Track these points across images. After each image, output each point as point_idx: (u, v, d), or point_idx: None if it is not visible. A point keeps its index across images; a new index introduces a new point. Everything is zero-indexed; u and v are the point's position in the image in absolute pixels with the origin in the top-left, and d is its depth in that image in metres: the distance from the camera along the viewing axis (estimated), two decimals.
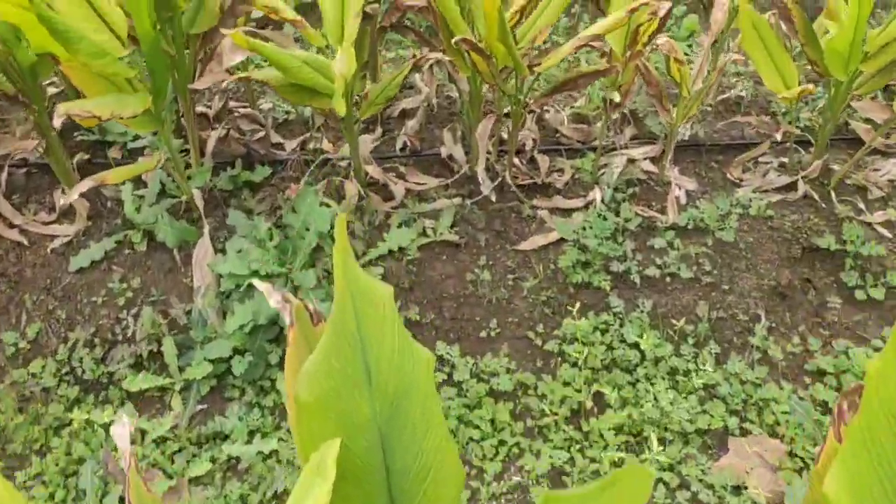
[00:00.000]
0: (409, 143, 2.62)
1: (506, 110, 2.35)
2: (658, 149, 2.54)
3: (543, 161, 2.52)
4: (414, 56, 3.08)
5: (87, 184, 1.94)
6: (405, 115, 2.83)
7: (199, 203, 2.28)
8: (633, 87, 2.27)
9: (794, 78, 2.21)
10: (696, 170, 2.57)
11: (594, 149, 2.61)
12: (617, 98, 2.11)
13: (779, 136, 2.44)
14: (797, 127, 2.58)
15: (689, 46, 3.43)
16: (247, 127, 2.60)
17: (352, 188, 2.36)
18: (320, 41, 2.07)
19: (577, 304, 2.15)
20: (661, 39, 1.86)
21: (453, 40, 1.91)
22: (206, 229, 2.27)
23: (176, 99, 2.30)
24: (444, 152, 2.58)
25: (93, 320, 2.16)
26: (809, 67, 2.25)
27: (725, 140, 2.65)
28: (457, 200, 2.42)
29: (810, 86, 2.03)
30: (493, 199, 2.44)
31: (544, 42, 2.45)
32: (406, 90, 3.00)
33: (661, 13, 1.78)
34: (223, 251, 2.24)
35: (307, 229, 2.18)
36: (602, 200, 2.39)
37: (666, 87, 2.36)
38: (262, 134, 2.62)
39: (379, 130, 2.74)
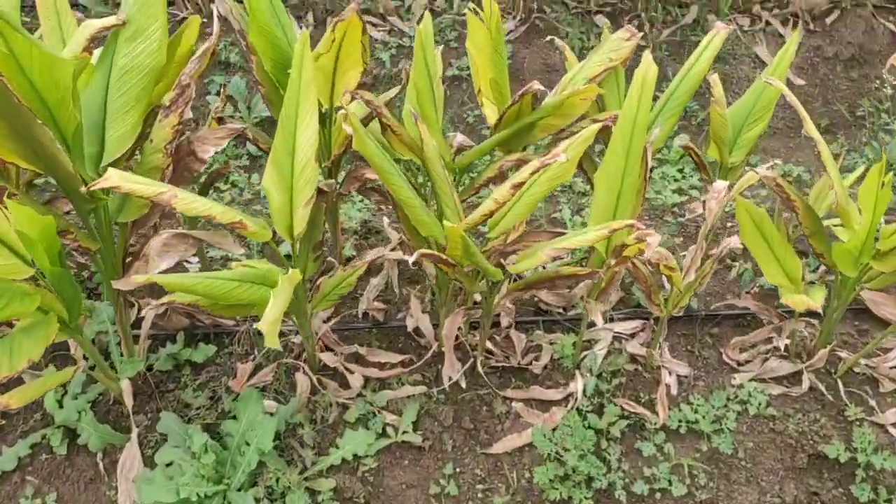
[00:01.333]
0: (371, 314, 2.36)
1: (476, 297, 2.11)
2: (646, 335, 2.29)
3: (519, 340, 2.27)
4: (379, 211, 2.85)
5: None
6: (370, 269, 2.58)
7: (129, 399, 2.01)
8: (617, 278, 2.02)
9: (798, 271, 1.97)
10: (689, 346, 2.32)
11: (575, 319, 2.36)
12: (598, 313, 1.86)
13: (783, 329, 2.20)
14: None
15: (681, 171, 3.21)
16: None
17: (304, 381, 2.10)
18: (265, 235, 1.81)
19: None
20: (652, 247, 1.61)
21: (412, 257, 1.66)
22: (135, 433, 2.00)
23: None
24: (410, 324, 2.32)
25: None
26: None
27: (721, 310, 2.41)
28: (421, 389, 2.16)
29: (817, 304, 1.79)
30: (463, 384, 2.18)
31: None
32: (373, 235, 2.75)
33: (649, 248, 1.54)
34: (153, 458, 1.96)
35: (248, 444, 1.91)
36: (584, 392, 2.14)
37: (656, 278, 2.12)
38: None
39: (339, 268, 2.48)
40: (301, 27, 3.62)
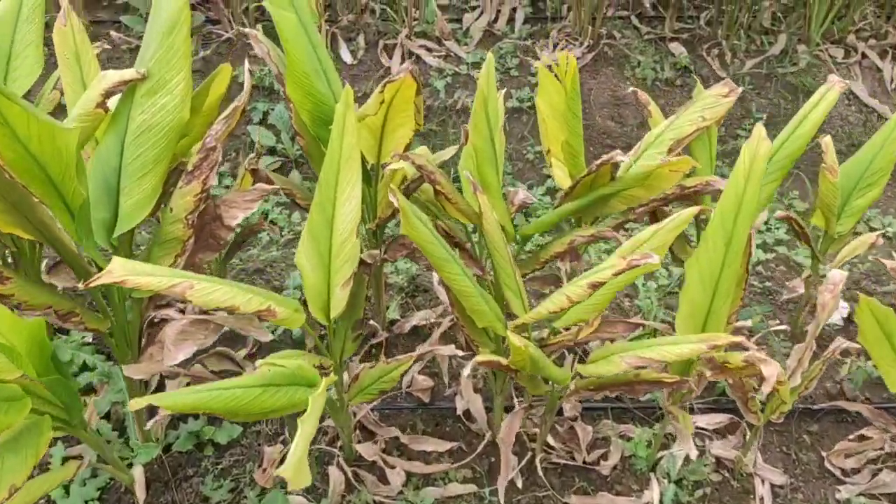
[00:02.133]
0: (415, 394, 2.10)
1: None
2: (736, 439, 1.97)
3: (585, 433, 1.97)
4: (429, 270, 2.57)
5: None
6: (416, 334, 2.32)
7: (141, 492, 1.79)
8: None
9: None
10: (784, 446, 2.00)
11: (650, 408, 2.06)
12: (685, 431, 1.56)
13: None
14: None
15: (765, 223, 2.87)
16: (217, 366, 2.11)
17: (337, 477, 1.84)
18: (297, 321, 1.56)
19: None
20: (770, 382, 1.31)
21: (467, 369, 1.39)
22: None
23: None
24: (459, 406, 2.05)
25: None
26: None
27: (823, 402, 2.08)
28: (471, 488, 1.89)
29: None
30: (519, 484, 1.90)
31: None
32: (420, 294, 2.49)
33: (767, 383, 1.23)
34: None
35: None
36: (661, 503, 1.83)
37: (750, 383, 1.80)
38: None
39: (383, 359, 2.22)
40: (350, 50, 3.38)
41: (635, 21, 3.56)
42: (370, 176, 1.90)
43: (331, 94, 1.78)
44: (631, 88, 2.09)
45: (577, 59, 3.35)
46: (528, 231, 1.82)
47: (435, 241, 1.48)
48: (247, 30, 1.82)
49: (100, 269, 1.45)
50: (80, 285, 1.28)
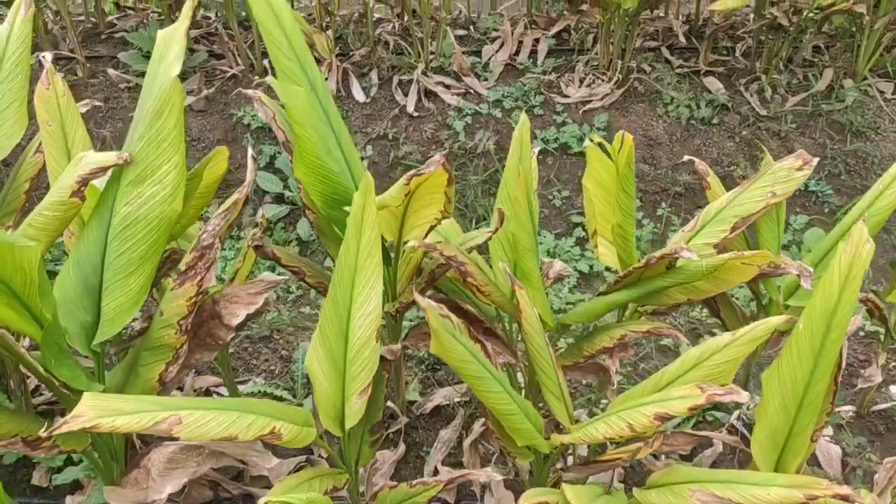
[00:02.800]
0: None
1: None
2: None
3: None
4: None
5: None
6: (439, 415, 2.10)
7: None
8: None
9: None
10: None
11: None
12: None
13: None
14: None
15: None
16: (216, 463, 1.88)
17: None
18: (307, 437, 1.34)
19: None
20: None
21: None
22: None
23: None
24: None
25: None
26: None
27: None
28: None
29: None
30: None
31: None
32: (443, 366, 2.26)
33: None
34: None
35: None
36: None
37: None
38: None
39: (402, 447, 2.00)
40: (362, 87, 3.17)
41: (666, 53, 3.33)
42: (389, 255, 1.68)
43: (347, 171, 1.57)
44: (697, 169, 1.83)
45: (605, 95, 3.13)
46: (570, 320, 1.59)
47: (471, 359, 1.26)
48: (250, 91, 1.60)
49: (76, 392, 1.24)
50: (42, 433, 1.06)
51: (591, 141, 1.41)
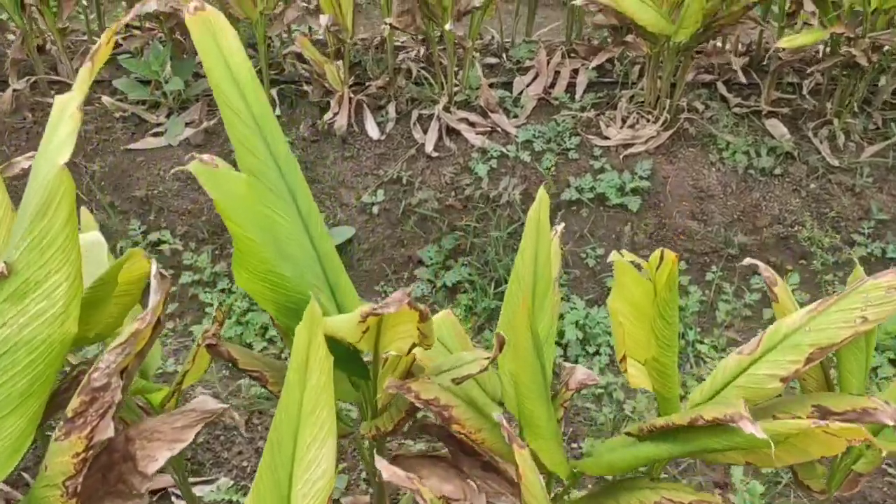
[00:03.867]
0: None
1: None
2: None
3: None
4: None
5: None
6: None
7: None
8: None
9: None
10: None
11: None
12: None
13: None
14: None
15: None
16: None
17: None
18: None
19: None
20: None
21: None
22: None
23: None
24: None
25: None
26: None
27: None
28: None
29: None
30: None
31: None
32: None
33: None
34: None
35: None
36: None
37: None
38: None
39: None
40: (377, 122, 2.85)
41: (722, 89, 2.94)
42: (366, 369, 1.34)
43: (314, 266, 1.24)
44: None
45: (651, 137, 2.76)
46: (589, 471, 1.23)
47: None
48: (191, 166, 1.29)
49: None
50: None
51: (621, 255, 1.05)
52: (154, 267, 1.01)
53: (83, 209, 1.62)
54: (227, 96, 1.24)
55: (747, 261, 1.30)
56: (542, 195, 1.32)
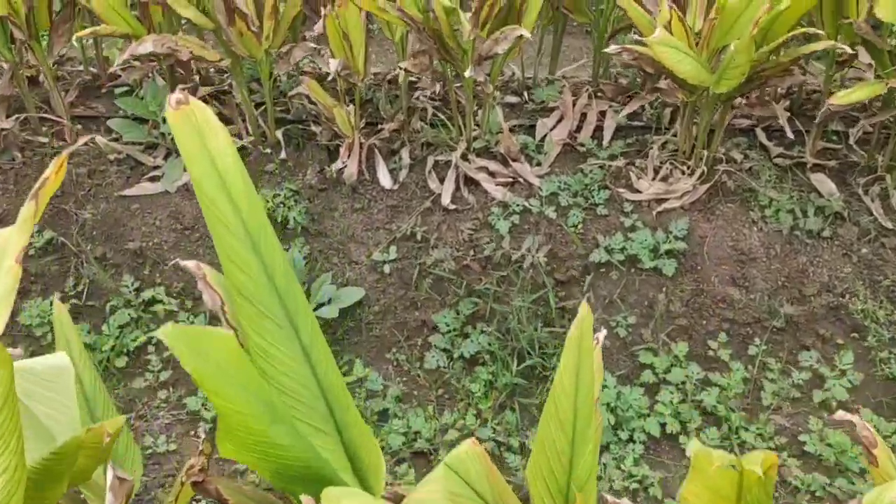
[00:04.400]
0: None
1: None
2: None
3: None
4: None
5: None
6: None
7: None
8: None
9: None
10: None
11: None
12: None
13: None
14: None
15: None
16: None
17: None
18: None
19: None
20: None
21: None
22: None
23: None
24: None
25: None
26: None
27: None
28: None
29: None
30: None
31: None
32: None
33: None
34: None
35: None
36: None
37: None
38: None
39: None
40: (390, 169, 2.65)
41: (762, 137, 2.73)
42: None
43: (313, 412, 1.04)
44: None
45: (686, 192, 2.54)
46: None
47: None
48: (190, 264, 1.09)
49: None
50: None
51: (701, 442, 0.84)
52: (111, 472, 0.81)
53: (56, 300, 1.43)
54: (216, 205, 1.05)
55: (839, 415, 1.08)
56: (584, 312, 1.13)
